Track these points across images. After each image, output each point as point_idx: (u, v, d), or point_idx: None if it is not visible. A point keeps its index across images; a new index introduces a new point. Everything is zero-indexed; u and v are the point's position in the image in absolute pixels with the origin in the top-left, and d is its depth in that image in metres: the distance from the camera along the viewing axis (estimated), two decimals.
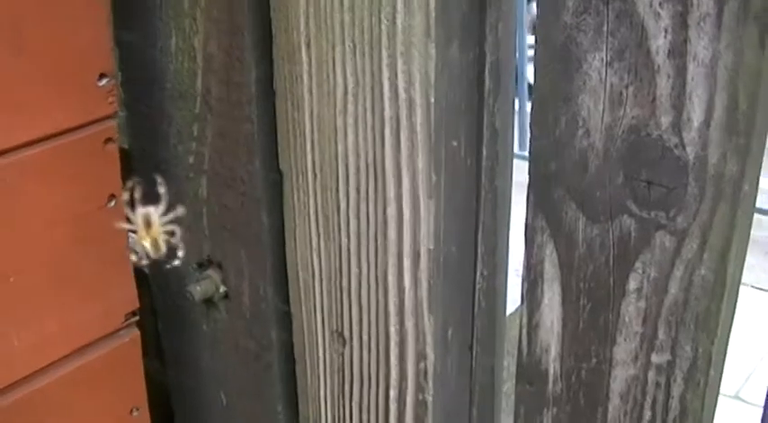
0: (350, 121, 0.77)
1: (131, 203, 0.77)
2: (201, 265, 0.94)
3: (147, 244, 0.77)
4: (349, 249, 0.83)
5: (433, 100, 0.72)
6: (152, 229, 0.76)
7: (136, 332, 0.90)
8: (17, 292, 0.78)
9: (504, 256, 0.87)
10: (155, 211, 0.77)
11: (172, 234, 0.77)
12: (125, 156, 0.87)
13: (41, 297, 0.80)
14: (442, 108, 0.74)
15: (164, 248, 0.76)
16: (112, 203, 0.82)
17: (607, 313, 0.73)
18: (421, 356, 0.83)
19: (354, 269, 0.83)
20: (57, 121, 0.76)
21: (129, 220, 0.77)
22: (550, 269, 0.75)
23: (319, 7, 0.74)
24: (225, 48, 0.80)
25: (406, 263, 0.80)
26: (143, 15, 0.84)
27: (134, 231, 0.78)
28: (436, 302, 0.80)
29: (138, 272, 0.89)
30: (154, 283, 1.00)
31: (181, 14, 0.82)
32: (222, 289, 0.93)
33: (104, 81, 0.78)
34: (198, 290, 0.92)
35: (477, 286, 0.85)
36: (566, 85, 0.68)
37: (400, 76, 0.73)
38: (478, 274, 0.85)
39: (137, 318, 0.90)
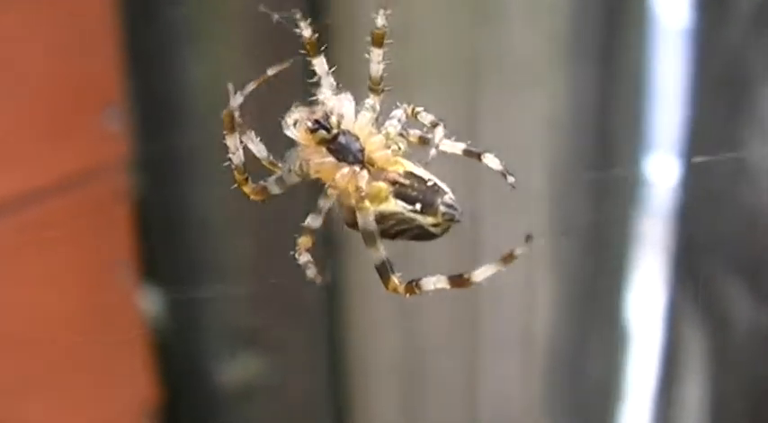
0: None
1: None
2: (237, 344, 0.79)
3: None
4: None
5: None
6: None
7: None
8: None
9: (624, 333, 0.72)
10: None
11: None
12: (141, 205, 0.74)
13: (23, 396, 0.67)
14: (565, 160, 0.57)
15: None
16: (122, 273, 0.70)
17: None
18: None
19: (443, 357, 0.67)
20: (49, 171, 0.64)
21: None
22: (696, 360, 0.67)
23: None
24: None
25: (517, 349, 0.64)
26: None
27: None
28: (552, 401, 0.64)
29: (158, 348, 0.76)
30: (175, 362, 0.83)
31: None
32: (262, 375, 0.76)
33: (112, 118, 0.66)
34: (231, 375, 0.75)
35: (592, 372, 0.71)
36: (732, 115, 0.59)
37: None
38: (592, 356, 0.69)
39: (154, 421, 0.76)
